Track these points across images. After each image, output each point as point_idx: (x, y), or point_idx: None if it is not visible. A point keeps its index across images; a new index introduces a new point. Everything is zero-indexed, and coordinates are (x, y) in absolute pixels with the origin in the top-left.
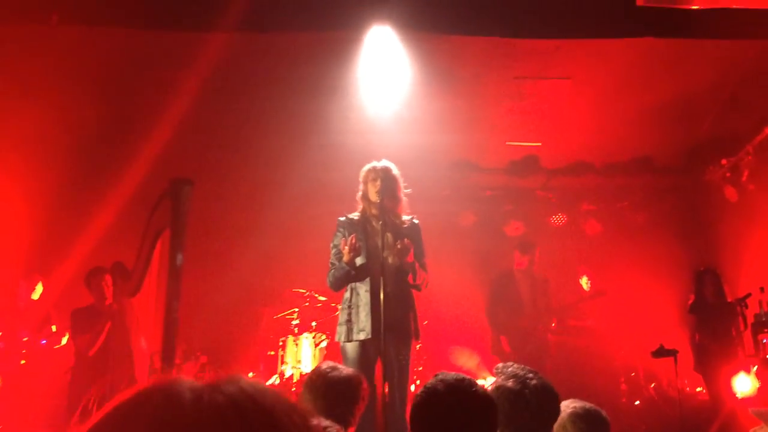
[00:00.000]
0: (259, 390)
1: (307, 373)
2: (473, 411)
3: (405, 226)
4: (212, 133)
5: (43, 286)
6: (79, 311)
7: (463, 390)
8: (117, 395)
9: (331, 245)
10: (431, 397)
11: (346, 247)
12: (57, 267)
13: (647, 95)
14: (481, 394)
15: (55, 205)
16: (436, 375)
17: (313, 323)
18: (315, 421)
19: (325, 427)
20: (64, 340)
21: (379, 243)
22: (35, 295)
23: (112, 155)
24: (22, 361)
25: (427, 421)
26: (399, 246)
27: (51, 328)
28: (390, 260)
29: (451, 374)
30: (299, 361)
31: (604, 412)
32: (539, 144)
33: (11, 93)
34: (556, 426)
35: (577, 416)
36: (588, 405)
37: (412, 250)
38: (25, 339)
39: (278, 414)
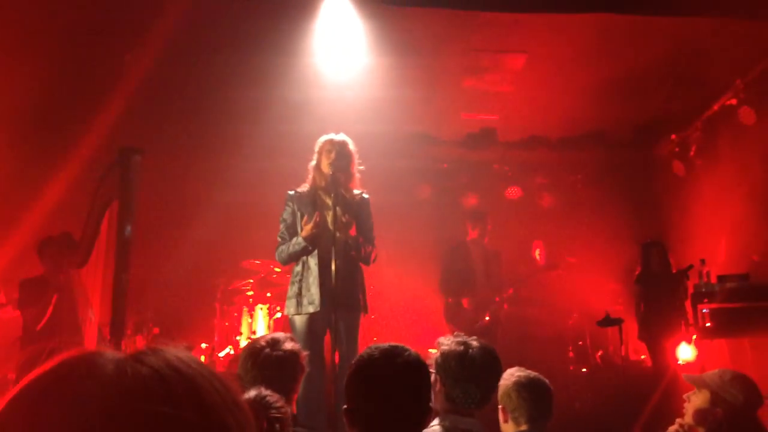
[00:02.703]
0: (182, 360)
1: (245, 348)
2: (406, 372)
3: (355, 200)
4: (165, 103)
5: None
6: (28, 282)
7: (396, 354)
8: (36, 367)
9: (281, 219)
10: (366, 363)
11: (310, 224)
12: (5, 238)
13: (601, 71)
14: (413, 357)
15: (3, 175)
16: (369, 347)
17: (268, 294)
18: (236, 387)
19: (264, 396)
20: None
21: (329, 217)
22: None
23: (64, 124)
24: None
25: (363, 385)
26: (343, 220)
27: (1, 297)
28: (337, 234)
29: (384, 344)
30: (254, 332)
31: (547, 381)
32: (495, 117)
33: None
34: (500, 394)
35: (521, 385)
36: (532, 374)
37: (354, 226)
38: None
39: (201, 383)
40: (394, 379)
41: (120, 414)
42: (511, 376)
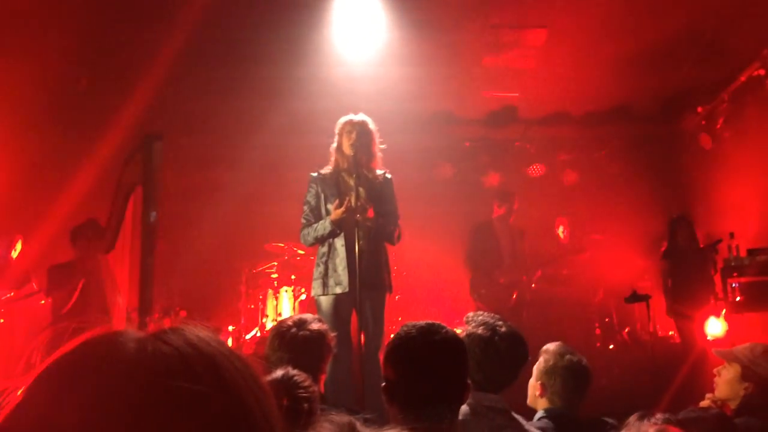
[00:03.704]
0: (202, 338)
1: (272, 329)
2: (444, 349)
3: (378, 180)
4: (187, 90)
5: (23, 245)
6: (56, 268)
7: (433, 332)
8: (60, 347)
9: (304, 201)
10: (404, 340)
11: (340, 209)
12: (37, 226)
13: (624, 43)
14: (451, 335)
15: (33, 164)
16: (405, 324)
17: (292, 276)
18: (256, 366)
19: (291, 376)
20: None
21: (353, 198)
22: (14, 254)
23: (91, 113)
24: (1, 320)
25: (400, 362)
26: (358, 204)
27: (32, 286)
28: (358, 216)
29: (421, 321)
30: (279, 314)
31: (588, 365)
32: (516, 94)
33: None
34: (543, 371)
35: (570, 371)
36: (583, 360)
37: (371, 208)
38: (9, 295)
39: (221, 360)
40: (431, 357)
41: (141, 390)
42: (560, 357)
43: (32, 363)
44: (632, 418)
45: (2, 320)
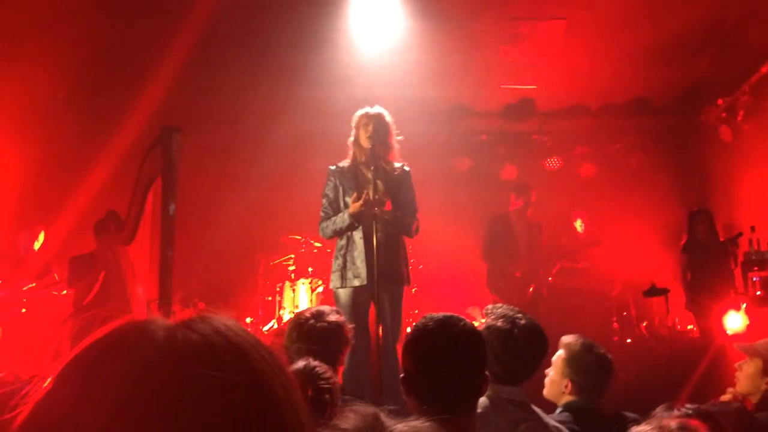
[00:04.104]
0: (230, 327)
1: (290, 320)
2: (462, 342)
3: (396, 173)
4: (204, 82)
5: (45, 236)
6: (77, 258)
7: (451, 324)
8: (89, 335)
9: (323, 194)
10: (422, 333)
11: (359, 202)
12: (57, 218)
13: (643, 35)
14: (469, 327)
15: (54, 157)
16: (424, 316)
17: (309, 269)
18: (281, 355)
19: (313, 367)
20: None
21: (370, 190)
22: (37, 245)
23: (110, 105)
24: (23, 310)
25: (418, 354)
26: (376, 197)
27: (53, 277)
28: (376, 209)
29: (439, 314)
30: (296, 306)
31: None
32: (534, 87)
33: (2, 45)
34: (572, 366)
35: (598, 365)
36: (608, 353)
37: (388, 201)
38: (31, 285)
39: (248, 349)
40: (450, 349)
41: (171, 377)
42: (587, 352)
43: (61, 351)
44: (659, 409)
45: (24, 310)
